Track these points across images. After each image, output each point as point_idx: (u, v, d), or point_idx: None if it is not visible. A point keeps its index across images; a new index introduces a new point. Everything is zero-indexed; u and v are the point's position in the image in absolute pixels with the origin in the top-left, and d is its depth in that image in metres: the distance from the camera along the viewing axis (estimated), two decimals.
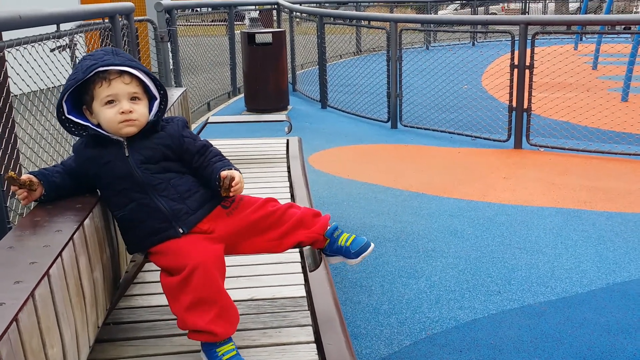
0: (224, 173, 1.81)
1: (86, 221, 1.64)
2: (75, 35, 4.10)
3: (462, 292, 3.45)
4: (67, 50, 4.36)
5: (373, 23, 9.49)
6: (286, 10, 11.39)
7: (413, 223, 4.49)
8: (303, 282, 2.26)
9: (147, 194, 1.80)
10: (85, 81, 1.75)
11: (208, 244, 1.80)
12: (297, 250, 2.43)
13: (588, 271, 3.69)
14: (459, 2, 27.69)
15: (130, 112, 1.77)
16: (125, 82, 1.77)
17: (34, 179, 1.73)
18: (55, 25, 3.63)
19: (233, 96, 10.37)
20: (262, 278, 2.28)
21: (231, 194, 1.81)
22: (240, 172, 1.87)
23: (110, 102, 1.77)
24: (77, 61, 4.55)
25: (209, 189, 1.89)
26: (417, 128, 7.58)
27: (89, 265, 1.61)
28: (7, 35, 3.24)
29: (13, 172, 1.71)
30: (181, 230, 1.81)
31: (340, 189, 5.30)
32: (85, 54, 4.72)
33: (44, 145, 3.73)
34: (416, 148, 6.80)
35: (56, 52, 3.98)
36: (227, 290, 2.16)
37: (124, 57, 1.80)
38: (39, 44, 3.36)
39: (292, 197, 3.28)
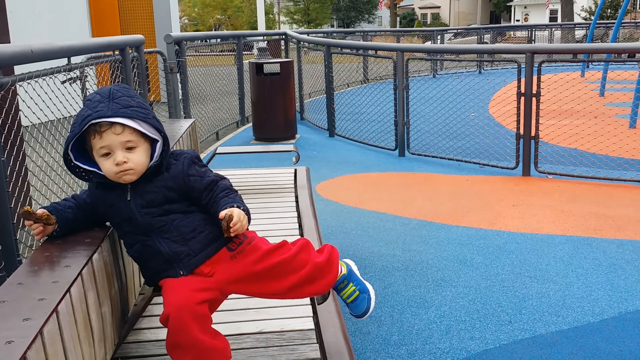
0: (222, 213, 1.75)
1: (95, 256, 1.64)
2: (85, 68, 4.15)
3: (473, 322, 3.42)
4: (78, 82, 4.42)
5: (380, 52, 9.57)
6: (294, 40, 11.50)
7: (422, 252, 4.47)
8: (312, 314, 2.25)
9: (150, 236, 1.80)
10: (83, 133, 1.75)
11: (192, 290, 1.76)
12: None
13: (600, 300, 3.65)
14: (459, 30, 27.94)
15: (125, 162, 1.75)
16: (116, 132, 1.74)
17: (50, 214, 1.74)
18: (66, 58, 3.68)
19: (241, 125, 10.44)
20: (270, 310, 2.26)
21: (232, 234, 1.75)
22: (242, 208, 1.80)
23: (106, 154, 1.76)
24: (87, 94, 4.62)
25: (213, 229, 1.85)
26: (425, 156, 7.59)
27: (98, 300, 1.61)
28: (19, 69, 3.29)
29: (29, 207, 1.72)
30: (181, 272, 1.80)
31: (348, 218, 5.30)
32: (95, 86, 4.79)
33: (54, 177, 3.76)
34: (424, 176, 6.80)
35: (67, 84, 4.03)
36: (235, 323, 2.17)
37: (118, 104, 1.75)
38: (50, 77, 3.40)
39: (300, 227, 3.28)
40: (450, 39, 27.81)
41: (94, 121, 1.72)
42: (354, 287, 1.97)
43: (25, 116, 3.40)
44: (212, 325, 1.80)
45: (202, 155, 7.23)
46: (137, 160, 1.77)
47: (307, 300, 2.35)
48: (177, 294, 1.75)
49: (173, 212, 1.83)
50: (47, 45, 3.45)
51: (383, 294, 3.78)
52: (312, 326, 2.16)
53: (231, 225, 1.73)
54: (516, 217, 5.20)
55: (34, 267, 1.53)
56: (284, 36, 12.53)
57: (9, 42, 4.60)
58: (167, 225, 1.81)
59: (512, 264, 4.20)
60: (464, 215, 5.27)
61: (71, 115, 4.15)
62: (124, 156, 1.75)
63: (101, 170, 1.80)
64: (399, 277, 4.04)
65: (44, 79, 3.33)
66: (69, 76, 3.99)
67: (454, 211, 5.40)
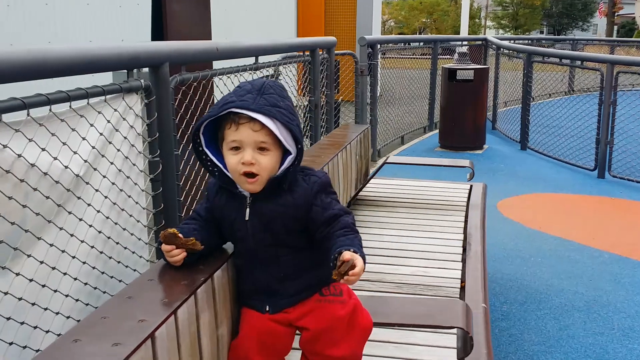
0: (347, 256, 1.51)
1: (217, 273, 1.55)
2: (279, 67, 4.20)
3: None
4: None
5: (587, 63, 8.77)
6: (493, 46, 11.01)
7: (610, 292, 3.93)
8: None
9: (253, 262, 1.66)
10: (220, 119, 1.61)
11: (268, 320, 1.66)
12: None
13: None
14: None
15: (252, 163, 1.56)
16: (254, 129, 1.56)
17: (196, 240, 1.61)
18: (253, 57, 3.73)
19: (429, 131, 10.17)
20: (412, 348, 2.05)
21: (341, 282, 1.51)
22: (359, 254, 1.54)
23: (236, 148, 1.59)
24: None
25: (315, 274, 1.67)
26: (629, 180, 6.79)
27: (214, 321, 1.52)
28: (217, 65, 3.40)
29: (175, 229, 1.57)
30: (267, 308, 1.65)
31: (528, 242, 4.85)
32: (289, 84, 4.86)
33: None
34: (625, 203, 6.06)
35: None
36: (372, 357, 1.99)
37: (265, 101, 1.58)
38: (241, 74, 3.47)
39: (464, 251, 2.99)
40: None
41: (235, 110, 1.57)
42: None
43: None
44: None
45: (379, 162, 7.15)
46: (265, 164, 1.58)
47: (453, 341, 2.09)
48: (249, 316, 1.68)
49: (283, 246, 1.65)
50: (233, 44, 3.54)
51: (556, 337, 3.36)
52: None
53: (350, 273, 1.49)
54: None
55: (150, 280, 1.47)
56: (484, 42, 12.05)
57: (210, 40, 4.83)
58: (273, 258, 1.64)
59: None
60: None
61: None
62: (252, 156, 1.57)
63: (227, 168, 1.64)
64: (579, 318, 3.58)
65: (236, 76, 3.39)
66: (263, 74, 4.07)
67: None
